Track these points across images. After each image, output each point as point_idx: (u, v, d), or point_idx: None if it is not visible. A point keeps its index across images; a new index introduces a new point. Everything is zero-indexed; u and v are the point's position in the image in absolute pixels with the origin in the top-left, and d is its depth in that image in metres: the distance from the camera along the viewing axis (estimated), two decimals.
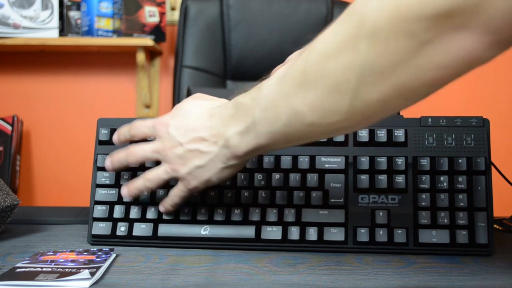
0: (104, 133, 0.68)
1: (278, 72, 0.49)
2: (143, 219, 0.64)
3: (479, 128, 0.63)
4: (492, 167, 0.64)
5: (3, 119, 1.82)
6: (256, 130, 0.51)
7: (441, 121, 0.64)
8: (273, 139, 0.50)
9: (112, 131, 0.68)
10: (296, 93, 0.45)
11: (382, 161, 0.63)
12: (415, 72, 0.39)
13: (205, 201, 0.64)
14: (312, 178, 0.63)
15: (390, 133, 0.64)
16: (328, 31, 0.43)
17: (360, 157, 0.63)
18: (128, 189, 0.62)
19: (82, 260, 0.54)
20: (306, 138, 0.50)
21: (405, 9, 0.37)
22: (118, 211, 0.65)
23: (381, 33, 0.38)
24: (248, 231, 0.62)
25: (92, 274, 0.50)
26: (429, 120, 0.64)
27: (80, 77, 2.02)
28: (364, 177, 0.63)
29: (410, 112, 0.72)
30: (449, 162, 0.62)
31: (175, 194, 0.61)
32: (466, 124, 0.64)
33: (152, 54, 1.99)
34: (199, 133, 0.56)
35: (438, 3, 0.35)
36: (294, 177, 0.63)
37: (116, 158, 0.62)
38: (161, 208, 0.63)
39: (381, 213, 0.61)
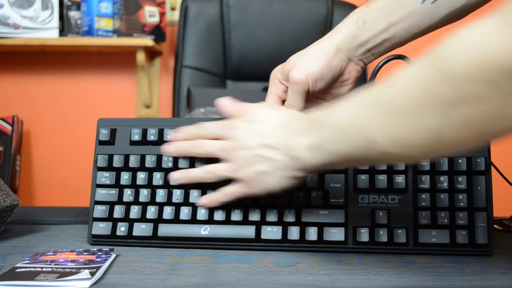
0: (104, 133, 0.68)
1: (357, 96, 0.50)
2: (143, 219, 0.64)
3: None
4: (492, 167, 0.64)
5: (3, 119, 1.82)
6: (328, 148, 0.51)
7: None
8: (344, 159, 0.51)
9: (112, 131, 0.68)
10: (374, 123, 0.46)
11: None
12: (499, 122, 0.40)
13: None
14: (312, 178, 0.63)
15: None
16: (410, 68, 0.44)
17: None
18: (185, 175, 0.63)
19: (82, 260, 0.54)
20: (376, 163, 0.54)
21: (491, 59, 0.37)
22: (118, 211, 0.65)
23: (463, 79, 0.39)
24: (248, 231, 0.62)
25: (92, 274, 0.50)
26: None
27: (80, 77, 2.02)
28: (364, 177, 0.63)
29: None
30: (449, 162, 0.62)
31: (229, 194, 0.61)
32: None
33: (152, 54, 1.99)
34: (267, 139, 0.56)
35: None
36: None
37: (182, 146, 0.64)
38: (204, 202, 0.63)
39: (381, 213, 0.61)
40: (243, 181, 0.59)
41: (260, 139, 0.57)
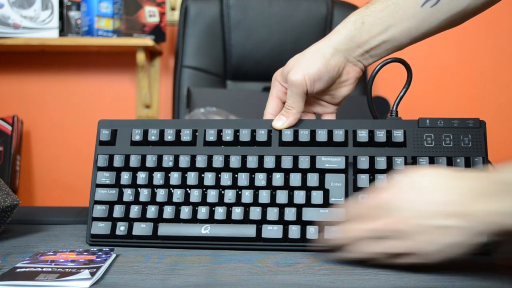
0: (105, 134, 0.68)
1: None
2: (143, 218, 0.64)
3: (476, 129, 0.64)
4: (489, 166, 0.64)
5: (3, 119, 1.82)
6: None
7: (438, 122, 0.64)
8: None
9: (113, 132, 0.68)
10: None
11: (382, 161, 0.63)
12: None
13: (206, 200, 0.64)
14: (313, 178, 0.63)
15: (389, 134, 0.64)
16: None
17: (360, 157, 0.64)
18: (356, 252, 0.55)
19: (82, 260, 0.54)
20: None
21: None
22: (118, 211, 0.65)
23: None
24: (248, 230, 0.62)
25: (92, 274, 0.50)
26: (427, 121, 0.65)
27: (80, 77, 2.02)
28: (364, 177, 0.63)
29: (409, 114, 0.72)
30: (448, 161, 0.63)
31: (399, 260, 0.53)
32: (463, 125, 0.64)
33: (152, 54, 1.99)
34: (441, 207, 0.50)
35: None
36: (294, 177, 0.64)
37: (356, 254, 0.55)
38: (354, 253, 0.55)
39: None
40: (419, 254, 0.51)
41: (432, 207, 0.50)
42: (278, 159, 0.65)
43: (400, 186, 0.53)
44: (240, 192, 0.64)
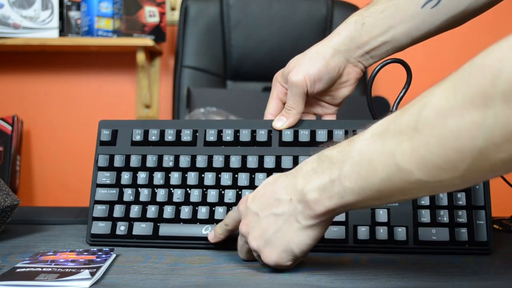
0: (105, 134, 0.68)
1: (376, 126, 0.46)
2: (143, 218, 0.64)
3: None
4: None
5: (3, 119, 1.82)
6: (343, 185, 0.46)
7: None
8: (363, 196, 0.46)
9: (114, 132, 0.68)
10: (402, 149, 0.42)
11: None
12: None
13: (206, 200, 0.64)
14: None
15: None
16: (445, 85, 0.40)
17: None
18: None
19: (82, 260, 0.54)
20: (404, 195, 0.45)
21: None
22: (118, 211, 0.65)
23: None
24: None
25: (92, 274, 0.50)
26: None
27: (80, 77, 2.02)
28: None
29: None
30: None
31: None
32: None
33: (152, 54, 1.98)
34: (274, 195, 0.51)
35: None
36: None
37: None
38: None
39: (381, 212, 0.61)
40: (261, 252, 0.52)
41: (267, 199, 0.51)
42: (278, 159, 0.65)
43: (254, 192, 0.54)
44: (240, 192, 0.64)
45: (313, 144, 0.65)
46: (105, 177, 0.66)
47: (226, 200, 0.64)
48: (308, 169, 0.50)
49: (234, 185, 0.64)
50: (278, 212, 0.50)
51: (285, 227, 0.50)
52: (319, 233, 0.50)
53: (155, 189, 0.66)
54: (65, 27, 1.83)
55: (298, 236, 0.50)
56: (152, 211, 0.64)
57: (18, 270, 0.51)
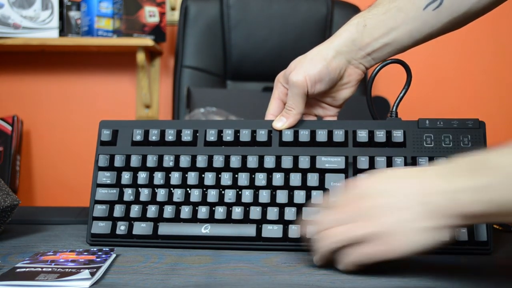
0: (106, 134, 0.68)
1: None
2: (143, 218, 0.64)
3: (475, 129, 0.64)
4: None
5: (3, 119, 1.82)
6: (489, 196, 0.45)
7: (438, 123, 0.65)
8: (505, 210, 0.44)
9: (114, 132, 0.68)
10: None
11: (381, 161, 0.63)
12: None
13: (206, 200, 0.64)
14: (313, 178, 0.63)
15: (389, 134, 0.64)
16: None
17: (360, 157, 0.64)
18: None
19: (82, 260, 0.54)
20: None
21: None
22: (118, 210, 0.65)
23: None
24: (249, 230, 0.62)
25: (92, 274, 0.50)
26: (427, 122, 0.65)
27: (80, 77, 2.02)
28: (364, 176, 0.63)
29: (408, 115, 0.72)
30: None
31: (350, 262, 0.51)
32: (463, 126, 0.64)
33: (152, 54, 1.99)
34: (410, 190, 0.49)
35: None
36: (295, 177, 0.64)
37: (323, 251, 0.53)
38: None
39: None
40: (369, 241, 0.49)
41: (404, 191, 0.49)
42: (278, 159, 0.65)
43: (371, 178, 0.52)
44: (240, 192, 0.64)
45: (313, 144, 0.65)
46: (106, 177, 0.67)
47: (226, 200, 0.64)
48: (448, 170, 0.48)
49: (234, 185, 0.64)
50: (396, 205, 0.48)
51: (405, 224, 0.48)
52: (441, 236, 0.48)
53: (155, 189, 0.66)
54: (65, 27, 1.83)
55: (418, 237, 0.48)
56: (152, 211, 0.64)
57: (18, 270, 0.51)
